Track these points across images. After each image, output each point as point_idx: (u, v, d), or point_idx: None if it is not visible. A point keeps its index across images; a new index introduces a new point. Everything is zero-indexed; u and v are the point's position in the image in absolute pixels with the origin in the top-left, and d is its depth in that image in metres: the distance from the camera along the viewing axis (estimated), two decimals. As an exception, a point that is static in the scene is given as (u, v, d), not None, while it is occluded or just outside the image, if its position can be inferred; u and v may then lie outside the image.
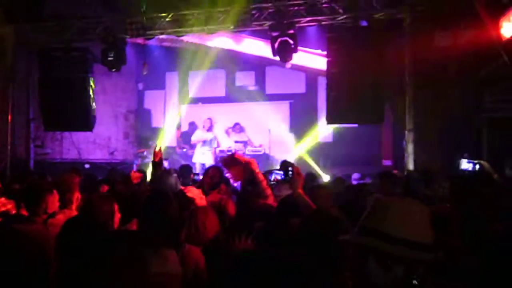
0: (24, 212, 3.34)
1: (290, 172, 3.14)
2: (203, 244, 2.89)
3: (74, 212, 3.35)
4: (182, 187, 5.15)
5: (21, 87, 9.60)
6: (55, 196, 3.31)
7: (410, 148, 7.37)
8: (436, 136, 7.38)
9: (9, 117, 9.35)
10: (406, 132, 7.47)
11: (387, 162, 9.52)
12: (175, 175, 7.03)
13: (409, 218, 1.45)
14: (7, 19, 9.21)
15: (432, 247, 1.44)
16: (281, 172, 3.29)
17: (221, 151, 11.36)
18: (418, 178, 6.09)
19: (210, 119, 11.45)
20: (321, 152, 10.61)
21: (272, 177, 3.33)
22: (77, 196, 3.66)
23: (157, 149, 5.22)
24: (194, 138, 11.44)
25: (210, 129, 11.32)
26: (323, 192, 3.99)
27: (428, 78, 7.21)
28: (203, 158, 10.97)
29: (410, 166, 7.33)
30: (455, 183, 4.80)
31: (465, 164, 6.62)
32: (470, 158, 6.74)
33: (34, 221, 3.04)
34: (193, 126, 12.23)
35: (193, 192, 4.32)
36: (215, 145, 11.23)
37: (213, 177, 5.15)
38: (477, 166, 6.51)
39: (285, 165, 5.31)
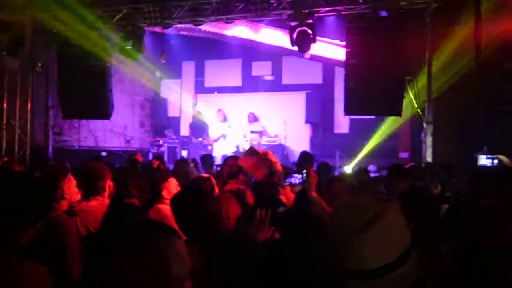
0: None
1: (304, 175, 3.12)
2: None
3: (107, 200, 3.36)
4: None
5: (40, 75, 9.69)
6: (72, 181, 3.26)
7: (429, 140, 7.29)
8: (456, 129, 7.30)
9: (29, 105, 9.47)
10: (425, 124, 7.38)
11: (404, 155, 9.44)
12: (192, 164, 7.08)
13: (389, 229, 1.17)
14: (26, 7, 9.27)
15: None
16: (299, 176, 3.28)
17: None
18: (439, 171, 6.03)
19: (221, 110, 11.44)
20: (337, 143, 10.57)
21: (292, 180, 3.34)
22: (109, 183, 3.67)
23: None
24: (212, 134, 11.41)
25: (225, 119, 11.29)
26: (337, 185, 3.97)
27: (449, 70, 7.11)
28: (223, 150, 10.99)
29: (429, 159, 7.26)
30: (476, 177, 4.74)
31: (484, 160, 6.54)
32: (490, 152, 6.65)
33: (54, 208, 3.01)
34: (199, 116, 12.25)
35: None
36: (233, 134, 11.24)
37: (232, 166, 5.18)
38: (495, 161, 6.42)
39: (304, 156, 5.33)
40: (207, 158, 7.02)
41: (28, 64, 9.47)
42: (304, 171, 3.16)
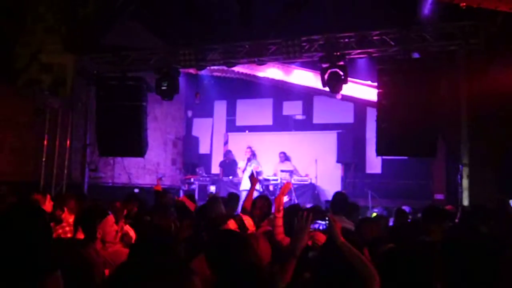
0: (79, 236, 3.42)
1: (326, 222, 3.08)
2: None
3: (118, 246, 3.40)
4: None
5: (79, 113, 10.09)
6: (108, 221, 3.31)
7: (465, 183, 7.10)
8: (494, 171, 7.09)
9: (68, 142, 9.82)
10: (461, 166, 7.21)
11: (439, 196, 9.20)
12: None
13: None
14: (68, 50, 9.78)
15: None
16: (323, 222, 3.24)
17: (266, 179, 11.39)
18: (472, 214, 5.85)
19: (249, 147, 11.55)
20: (369, 183, 10.43)
21: (316, 226, 3.29)
22: (121, 225, 3.69)
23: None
24: (239, 171, 11.57)
25: (249, 159, 11.34)
26: (370, 226, 3.90)
27: (485, 112, 6.99)
28: (248, 185, 11.04)
29: (465, 201, 7.05)
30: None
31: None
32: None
33: (87, 246, 3.07)
34: (229, 154, 12.39)
35: (249, 222, 4.38)
36: (259, 169, 11.27)
37: (261, 208, 5.15)
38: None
39: (338, 197, 5.27)
40: (232, 197, 7.02)
41: (68, 103, 9.90)
42: (326, 218, 3.12)
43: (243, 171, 11.30)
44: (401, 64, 7.51)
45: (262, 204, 5.17)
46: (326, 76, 7.80)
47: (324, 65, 7.83)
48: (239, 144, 12.39)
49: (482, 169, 7.41)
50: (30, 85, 9.67)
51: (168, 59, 9.00)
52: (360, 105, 11.25)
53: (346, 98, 10.30)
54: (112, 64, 9.54)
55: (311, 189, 10.77)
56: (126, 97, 9.18)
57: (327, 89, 7.97)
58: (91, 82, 9.77)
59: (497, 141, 7.21)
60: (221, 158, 12.75)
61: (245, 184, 11.06)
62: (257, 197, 5.76)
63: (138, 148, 9.24)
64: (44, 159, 9.63)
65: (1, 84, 9.11)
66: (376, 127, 7.60)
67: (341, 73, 7.69)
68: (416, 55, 7.72)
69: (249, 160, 11.31)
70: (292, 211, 4.46)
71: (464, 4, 6.06)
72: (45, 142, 9.67)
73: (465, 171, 7.11)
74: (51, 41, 9.82)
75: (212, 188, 11.34)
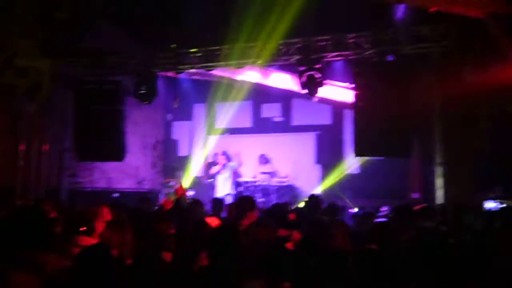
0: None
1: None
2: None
3: None
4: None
5: (56, 118, 9.97)
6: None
7: (439, 182, 7.29)
8: (467, 170, 7.29)
9: (45, 147, 9.70)
10: (436, 166, 7.40)
11: (415, 195, 9.39)
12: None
13: None
14: (45, 54, 9.67)
15: None
16: None
17: (246, 181, 11.45)
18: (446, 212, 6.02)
19: (224, 153, 11.60)
20: (348, 184, 10.57)
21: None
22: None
23: (178, 186, 5.32)
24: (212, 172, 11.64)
25: (224, 166, 11.36)
26: (337, 230, 3.84)
27: (458, 113, 7.18)
28: (225, 190, 11.08)
29: (440, 200, 7.24)
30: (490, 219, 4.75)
31: (490, 204, 6.53)
32: (501, 192, 6.62)
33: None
34: (217, 157, 12.41)
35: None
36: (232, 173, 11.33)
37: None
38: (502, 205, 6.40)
39: (312, 198, 5.37)
40: (217, 202, 7.03)
41: (45, 108, 9.77)
42: None
43: (215, 176, 11.30)
44: (376, 67, 7.68)
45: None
46: (303, 79, 7.92)
47: (301, 68, 7.94)
48: (218, 147, 12.39)
49: (456, 168, 7.60)
50: (6, 89, 9.52)
51: (146, 63, 8.99)
52: (337, 107, 11.39)
53: (323, 100, 10.40)
54: (90, 68, 9.47)
55: (291, 190, 10.87)
56: (104, 101, 9.13)
57: (305, 91, 8.09)
58: (68, 86, 9.67)
59: (470, 140, 7.41)
60: (200, 161, 12.75)
61: (220, 190, 11.09)
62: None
63: (117, 153, 9.19)
64: (21, 165, 9.49)
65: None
66: (353, 128, 7.74)
67: (318, 75, 7.82)
68: (390, 58, 7.88)
69: (224, 166, 11.31)
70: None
71: (434, 9, 6.23)
72: (22, 148, 9.53)
73: (439, 170, 7.29)
74: (27, 45, 9.69)
75: (191, 193, 11.33)
